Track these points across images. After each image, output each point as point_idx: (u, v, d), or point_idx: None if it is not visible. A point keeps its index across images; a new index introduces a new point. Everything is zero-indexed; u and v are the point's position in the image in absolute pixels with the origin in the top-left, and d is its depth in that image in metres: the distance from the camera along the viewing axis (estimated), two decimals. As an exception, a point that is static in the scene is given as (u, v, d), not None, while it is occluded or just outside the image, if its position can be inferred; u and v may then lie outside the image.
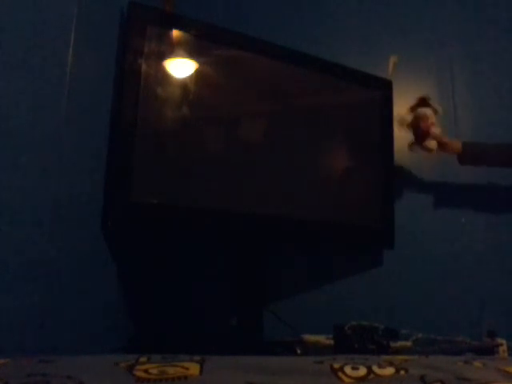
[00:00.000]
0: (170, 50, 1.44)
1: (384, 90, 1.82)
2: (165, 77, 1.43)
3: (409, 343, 1.52)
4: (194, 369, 0.65)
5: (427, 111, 1.69)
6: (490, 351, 1.50)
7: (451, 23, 1.97)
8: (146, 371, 0.63)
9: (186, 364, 0.66)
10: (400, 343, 1.49)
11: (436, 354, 1.12)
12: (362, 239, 1.75)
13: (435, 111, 1.70)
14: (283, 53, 1.65)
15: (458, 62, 1.94)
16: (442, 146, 1.70)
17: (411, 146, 1.74)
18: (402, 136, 1.82)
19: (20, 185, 0.98)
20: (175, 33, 1.45)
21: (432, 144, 1.68)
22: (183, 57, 1.46)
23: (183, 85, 1.46)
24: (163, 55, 1.41)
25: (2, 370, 0.64)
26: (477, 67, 1.94)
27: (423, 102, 1.71)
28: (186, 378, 0.62)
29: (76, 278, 1.18)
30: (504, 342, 1.51)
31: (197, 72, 1.48)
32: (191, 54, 1.47)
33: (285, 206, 1.56)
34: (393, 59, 1.81)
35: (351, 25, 1.99)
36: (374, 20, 1.99)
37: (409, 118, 1.74)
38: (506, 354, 1.49)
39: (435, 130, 1.68)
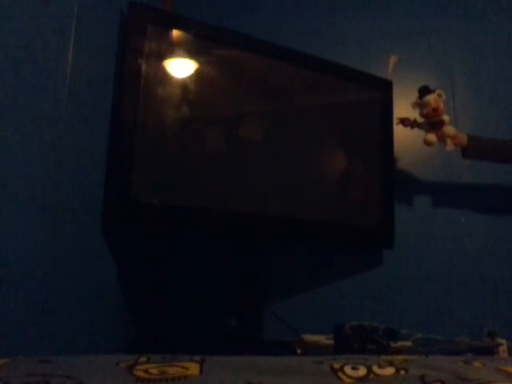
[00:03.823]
0: (170, 50, 1.44)
1: (384, 90, 1.82)
2: (165, 77, 1.43)
3: (409, 343, 1.52)
4: (193, 369, 0.65)
5: (429, 98, 1.60)
6: (489, 351, 1.50)
7: (451, 23, 1.97)
8: (146, 371, 0.63)
9: (185, 364, 0.66)
10: (400, 343, 1.49)
11: (436, 354, 1.11)
12: (362, 239, 1.75)
13: (439, 95, 1.61)
14: (283, 53, 1.65)
15: (458, 62, 1.95)
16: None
17: (429, 140, 1.61)
18: (402, 136, 1.82)
19: (20, 184, 0.98)
20: (175, 33, 1.45)
21: (449, 129, 1.60)
22: (183, 57, 1.46)
23: (183, 85, 1.46)
24: (163, 55, 1.41)
25: (1, 370, 0.64)
26: (477, 67, 1.94)
27: (425, 91, 1.63)
28: (185, 377, 0.62)
29: (76, 278, 1.18)
30: (504, 341, 1.51)
31: (197, 72, 1.48)
32: (191, 54, 1.47)
33: (285, 206, 1.56)
34: (393, 59, 1.81)
35: (351, 25, 1.99)
36: (374, 20, 1.99)
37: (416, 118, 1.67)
38: (506, 354, 1.49)
39: (445, 117, 1.61)
